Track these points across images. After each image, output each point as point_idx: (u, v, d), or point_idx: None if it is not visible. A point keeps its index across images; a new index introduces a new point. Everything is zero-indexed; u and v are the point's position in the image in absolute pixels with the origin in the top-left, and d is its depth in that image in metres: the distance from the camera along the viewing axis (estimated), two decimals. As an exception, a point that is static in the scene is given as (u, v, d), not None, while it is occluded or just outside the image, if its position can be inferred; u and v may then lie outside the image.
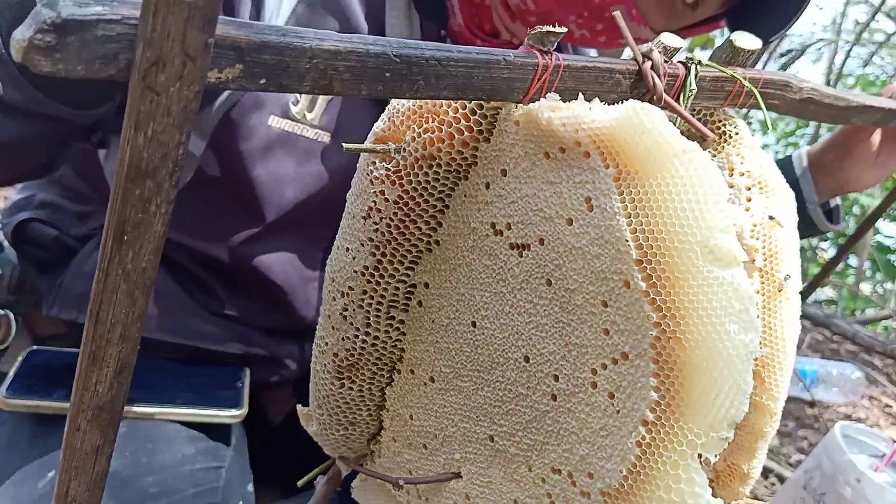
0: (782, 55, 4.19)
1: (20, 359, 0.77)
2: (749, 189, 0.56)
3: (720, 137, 0.58)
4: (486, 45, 0.74)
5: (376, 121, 0.48)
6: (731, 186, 0.56)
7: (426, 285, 0.50)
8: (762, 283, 0.54)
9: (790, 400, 2.02)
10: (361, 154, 0.48)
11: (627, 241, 0.37)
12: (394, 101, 0.47)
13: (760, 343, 0.54)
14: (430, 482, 0.55)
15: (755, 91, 0.52)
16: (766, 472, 1.71)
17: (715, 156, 0.58)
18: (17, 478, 0.68)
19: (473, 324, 0.48)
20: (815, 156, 0.91)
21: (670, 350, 0.37)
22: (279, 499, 0.94)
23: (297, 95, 0.72)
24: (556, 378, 0.43)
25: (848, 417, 2.06)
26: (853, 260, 4.04)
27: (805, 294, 1.00)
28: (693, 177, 0.35)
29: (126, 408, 0.62)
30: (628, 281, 0.38)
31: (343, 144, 0.47)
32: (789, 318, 0.55)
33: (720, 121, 0.58)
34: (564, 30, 0.41)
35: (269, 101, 0.72)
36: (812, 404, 2.07)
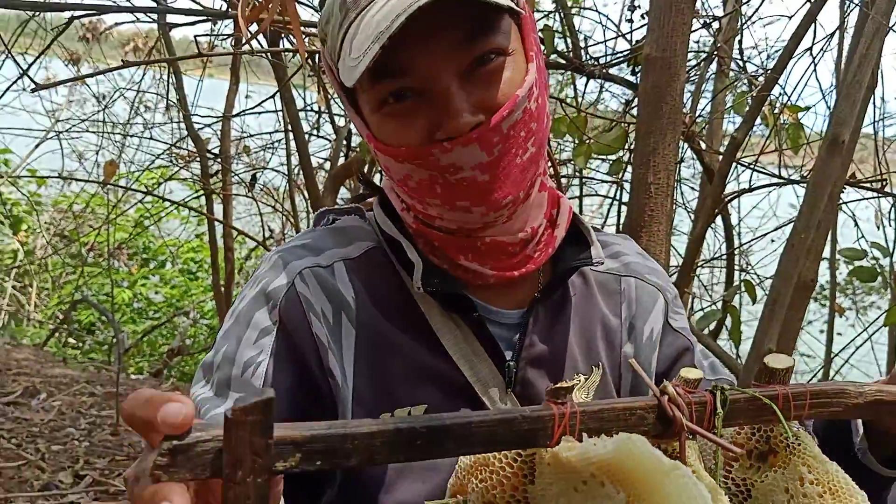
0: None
1: None
2: (822, 496, 0.57)
3: (785, 450, 0.61)
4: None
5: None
6: (805, 496, 0.58)
7: None
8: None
9: None
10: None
11: (644, 559, 0.42)
12: (460, 459, 0.56)
13: None
14: None
15: (775, 408, 0.56)
16: None
17: (785, 468, 0.60)
18: None
19: None
20: None
21: None
22: None
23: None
24: None
25: None
26: None
27: None
28: (682, 492, 0.41)
29: None
30: None
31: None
32: None
33: (783, 434, 0.61)
34: (575, 382, 0.51)
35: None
36: None
